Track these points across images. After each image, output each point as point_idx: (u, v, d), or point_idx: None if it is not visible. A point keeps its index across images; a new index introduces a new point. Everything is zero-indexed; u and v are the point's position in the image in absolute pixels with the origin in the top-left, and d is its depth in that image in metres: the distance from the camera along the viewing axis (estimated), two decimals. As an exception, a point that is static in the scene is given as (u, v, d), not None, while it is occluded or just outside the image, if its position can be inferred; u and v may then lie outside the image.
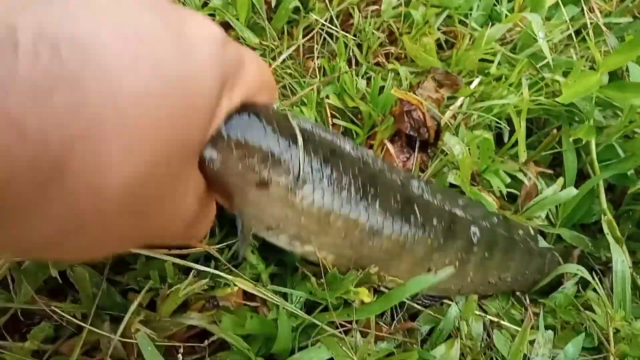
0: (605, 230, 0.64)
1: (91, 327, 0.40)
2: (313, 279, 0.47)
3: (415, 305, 0.54)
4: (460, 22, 0.76)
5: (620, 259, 0.61)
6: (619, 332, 0.56)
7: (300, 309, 0.47)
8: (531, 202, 0.66)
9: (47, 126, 0.21)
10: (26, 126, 0.21)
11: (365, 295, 0.48)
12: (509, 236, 0.58)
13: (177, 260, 0.43)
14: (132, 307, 0.41)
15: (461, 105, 0.64)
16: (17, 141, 0.21)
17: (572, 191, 0.66)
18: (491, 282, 0.57)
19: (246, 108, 0.37)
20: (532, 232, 0.62)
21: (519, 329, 0.53)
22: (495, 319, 0.58)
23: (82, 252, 0.29)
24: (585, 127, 0.66)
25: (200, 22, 0.29)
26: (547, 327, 0.60)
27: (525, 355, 0.51)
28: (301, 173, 0.40)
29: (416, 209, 0.49)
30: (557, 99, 0.63)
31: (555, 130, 0.68)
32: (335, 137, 0.46)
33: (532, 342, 0.52)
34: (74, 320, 0.42)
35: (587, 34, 0.80)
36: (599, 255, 0.68)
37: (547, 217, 0.68)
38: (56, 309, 0.42)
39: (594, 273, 0.64)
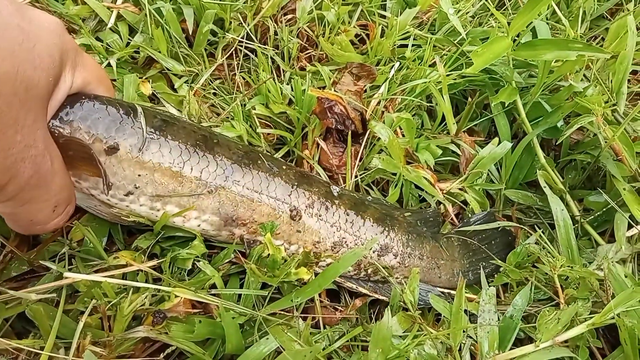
0: (542, 183, 0.66)
1: (47, 353, 0.41)
2: (253, 266, 0.49)
3: (363, 291, 0.56)
4: (379, 15, 0.79)
5: (559, 207, 0.63)
6: (568, 279, 0.58)
7: (253, 307, 0.49)
8: (471, 164, 0.68)
9: None
10: None
11: (304, 273, 0.50)
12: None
13: (115, 281, 0.46)
14: (79, 329, 0.43)
15: (382, 92, 0.66)
16: None
17: (506, 145, 0.69)
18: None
19: (86, 93, 0.45)
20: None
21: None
22: (446, 290, 0.60)
23: None
24: (506, 90, 0.69)
25: (43, 13, 0.39)
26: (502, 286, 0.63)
27: (471, 314, 0.53)
28: (145, 135, 0.46)
29: (260, 155, 0.54)
30: (469, 69, 0.66)
31: (471, 99, 0.71)
32: (170, 114, 0.54)
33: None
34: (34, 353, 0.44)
35: (503, 3, 0.84)
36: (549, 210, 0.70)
37: (491, 181, 0.70)
38: (19, 345, 0.44)
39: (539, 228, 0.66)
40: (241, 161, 0.52)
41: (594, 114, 0.65)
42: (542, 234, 0.63)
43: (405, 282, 0.57)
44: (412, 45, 0.75)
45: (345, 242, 0.56)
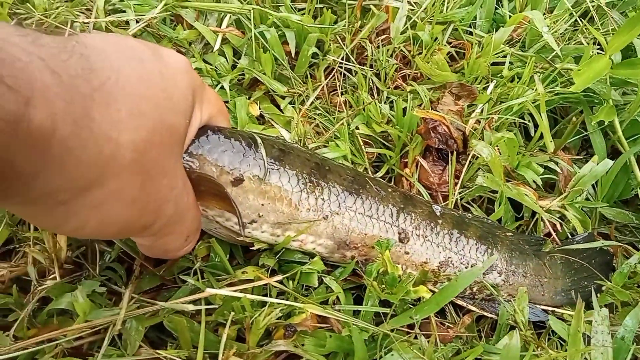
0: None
1: None
2: (375, 283, 0.52)
3: (473, 309, 0.58)
4: (467, 32, 0.80)
5: (662, 228, 0.63)
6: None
7: (370, 321, 0.52)
8: (571, 182, 0.69)
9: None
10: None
11: (424, 291, 0.52)
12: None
13: (254, 296, 0.50)
14: (223, 340, 0.46)
15: (481, 111, 0.68)
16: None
17: (607, 163, 0.69)
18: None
19: (211, 126, 0.49)
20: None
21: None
22: (549, 308, 0.61)
23: (97, 214, 0.36)
24: (604, 109, 0.69)
25: (172, 52, 0.42)
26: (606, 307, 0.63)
27: (584, 335, 0.54)
28: (266, 165, 0.50)
29: (368, 180, 0.57)
30: (571, 88, 0.66)
31: (574, 118, 0.72)
32: (283, 140, 0.56)
33: (590, 323, 0.55)
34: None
35: (591, 18, 0.84)
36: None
37: (586, 199, 0.71)
38: (162, 355, 0.48)
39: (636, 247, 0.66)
40: (351, 187, 0.54)
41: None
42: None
43: (511, 300, 0.58)
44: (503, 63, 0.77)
45: (451, 261, 0.58)
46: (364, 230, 0.55)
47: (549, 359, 0.49)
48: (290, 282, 0.55)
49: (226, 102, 0.70)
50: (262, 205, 0.50)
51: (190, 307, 0.49)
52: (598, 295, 0.62)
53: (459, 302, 0.58)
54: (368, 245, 0.54)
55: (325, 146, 0.67)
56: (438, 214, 0.60)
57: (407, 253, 0.57)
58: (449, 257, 0.58)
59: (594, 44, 0.79)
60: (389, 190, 0.58)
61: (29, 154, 0.29)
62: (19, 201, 0.33)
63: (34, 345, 0.48)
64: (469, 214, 0.65)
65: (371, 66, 0.76)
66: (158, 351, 0.48)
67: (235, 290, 0.49)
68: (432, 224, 0.58)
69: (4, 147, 0.28)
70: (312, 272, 0.55)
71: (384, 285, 0.53)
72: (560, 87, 0.73)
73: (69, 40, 0.32)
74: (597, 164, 0.69)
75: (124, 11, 0.76)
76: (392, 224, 0.56)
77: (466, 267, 0.58)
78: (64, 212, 0.34)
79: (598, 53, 0.71)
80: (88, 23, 0.73)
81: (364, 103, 0.69)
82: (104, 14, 0.75)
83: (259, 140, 0.51)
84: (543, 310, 0.62)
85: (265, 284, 0.53)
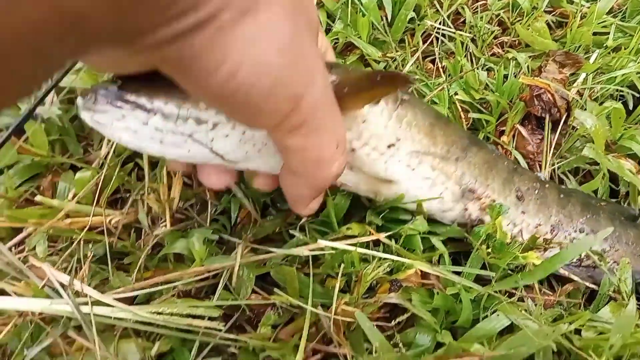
0: None
1: (312, 309, 0.47)
2: (483, 247, 0.53)
3: (574, 278, 0.58)
4: (568, 1, 0.78)
5: None
6: None
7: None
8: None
9: None
10: None
11: (534, 257, 0.53)
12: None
13: (363, 250, 0.51)
14: (336, 289, 0.48)
15: (584, 80, 0.67)
16: None
17: None
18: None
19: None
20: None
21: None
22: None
23: (251, 50, 0.31)
24: None
25: None
26: None
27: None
28: (400, 94, 0.49)
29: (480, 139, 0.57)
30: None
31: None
32: None
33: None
34: (291, 309, 0.50)
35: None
36: None
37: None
38: (273, 300, 0.50)
39: None
40: (472, 137, 0.55)
41: None
42: None
43: (615, 267, 0.58)
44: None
45: (562, 225, 0.58)
46: (487, 181, 0.55)
47: (662, 327, 0.49)
48: (393, 240, 0.56)
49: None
50: (400, 128, 0.50)
51: (306, 252, 0.50)
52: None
53: (561, 270, 0.58)
54: (490, 197, 0.55)
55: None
56: (543, 179, 0.60)
57: (523, 212, 0.57)
58: (559, 221, 0.58)
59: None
60: (499, 152, 0.58)
61: None
62: (168, 33, 0.27)
63: (150, 286, 0.51)
64: (562, 186, 0.64)
65: (468, 32, 0.76)
66: (271, 296, 0.50)
67: (351, 244, 0.51)
68: (542, 187, 0.58)
69: None
70: (415, 234, 0.56)
71: (489, 250, 0.54)
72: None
73: None
74: None
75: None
76: (511, 181, 0.56)
77: (575, 232, 0.58)
78: (222, 45, 0.29)
79: None
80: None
81: (462, 69, 0.69)
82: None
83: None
84: None
85: (370, 241, 0.55)
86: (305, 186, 0.44)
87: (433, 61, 0.75)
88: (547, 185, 0.59)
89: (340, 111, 0.41)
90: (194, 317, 0.44)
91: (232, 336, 0.46)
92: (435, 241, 0.55)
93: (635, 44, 0.70)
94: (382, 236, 0.54)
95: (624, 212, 0.64)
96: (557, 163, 0.66)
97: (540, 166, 0.67)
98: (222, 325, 0.45)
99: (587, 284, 0.58)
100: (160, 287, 0.48)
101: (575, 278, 0.58)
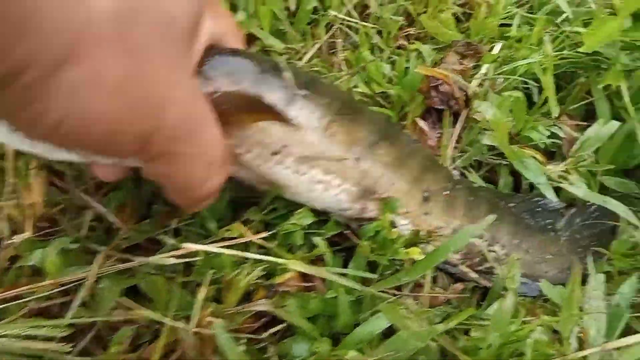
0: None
1: (171, 323, 0.43)
2: (365, 244, 0.51)
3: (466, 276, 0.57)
4: (474, -8, 0.77)
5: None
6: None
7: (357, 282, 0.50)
8: (575, 145, 0.67)
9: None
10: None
11: (416, 252, 0.51)
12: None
13: (232, 252, 0.47)
14: (200, 299, 0.44)
15: (486, 72, 0.66)
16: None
17: (613, 125, 0.67)
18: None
19: (225, 47, 0.42)
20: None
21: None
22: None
23: (76, 101, 0.29)
24: (613, 72, 0.67)
25: None
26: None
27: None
28: (292, 90, 0.44)
29: (399, 129, 0.54)
30: (580, 50, 0.64)
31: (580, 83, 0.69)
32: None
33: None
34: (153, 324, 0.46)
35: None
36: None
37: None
38: (134, 313, 0.45)
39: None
40: (384, 131, 0.51)
41: None
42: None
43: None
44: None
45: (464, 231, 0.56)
46: (392, 180, 0.51)
47: (541, 323, 0.48)
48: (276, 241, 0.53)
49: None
50: (288, 132, 0.45)
51: (172, 260, 0.47)
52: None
53: (453, 270, 0.57)
54: (393, 197, 0.52)
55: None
56: (455, 179, 0.58)
57: (426, 214, 0.54)
58: (462, 225, 0.56)
59: (605, 8, 0.76)
60: (418, 144, 0.55)
61: None
62: None
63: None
64: (477, 184, 0.63)
65: (374, 24, 0.74)
66: (130, 312, 0.45)
67: (222, 246, 0.48)
68: (452, 188, 0.56)
69: None
70: (296, 230, 0.52)
71: (375, 246, 0.52)
72: (569, 51, 0.71)
73: None
74: (603, 126, 0.67)
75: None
76: (421, 180, 0.53)
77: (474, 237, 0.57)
78: (37, 98, 0.28)
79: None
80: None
81: (363, 61, 0.67)
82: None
83: (283, 64, 0.45)
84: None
85: (249, 242, 0.51)
86: (184, 201, 0.43)
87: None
88: (458, 187, 0.57)
89: (222, 125, 0.39)
90: (38, 338, 0.40)
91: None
92: (318, 240, 0.52)
93: (538, 34, 0.70)
94: (255, 237, 0.50)
95: (534, 211, 0.63)
96: (459, 157, 0.65)
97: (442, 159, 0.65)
98: (71, 347, 0.41)
99: (483, 282, 0.58)
100: (10, 304, 0.44)
101: (473, 275, 0.57)
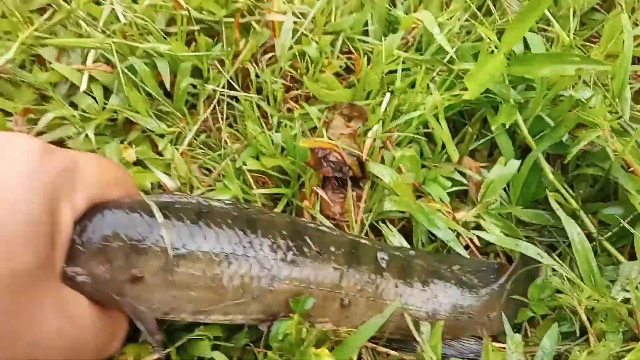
0: (554, 205, 0.63)
1: None
2: (269, 353, 0.47)
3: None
4: (361, 40, 0.75)
5: (575, 232, 0.61)
6: (594, 309, 0.56)
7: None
8: (481, 189, 0.65)
9: None
10: None
11: (326, 355, 0.47)
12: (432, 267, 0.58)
13: None
14: None
15: (376, 132, 0.63)
16: None
17: (514, 164, 0.66)
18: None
19: (96, 209, 0.40)
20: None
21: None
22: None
23: None
24: (505, 110, 0.66)
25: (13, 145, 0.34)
26: (529, 321, 0.60)
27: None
28: (171, 252, 0.41)
29: (307, 239, 0.49)
30: (464, 96, 0.62)
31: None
32: (200, 199, 0.48)
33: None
34: None
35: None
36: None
37: (501, 204, 0.67)
38: None
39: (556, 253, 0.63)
40: (287, 253, 0.47)
41: (599, 128, 0.62)
42: (561, 264, 0.60)
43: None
44: (403, 69, 0.71)
45: (394, 314, 0.52)
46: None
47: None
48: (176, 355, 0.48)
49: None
50: (174, 297, 0.42)
51: None
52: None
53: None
54: (308, 313, 0.48)
55: (212, 189, 0.60)
56: (384, 265, 0.54)
57: (347, 317, 0.51)
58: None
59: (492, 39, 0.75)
60: (332, 249, 0.51)
61: None
62: None
63: None
64: (413, 251, 0.59)
65: (259, 90, 0.70)
66: None
67: None
68: (377, 282, 0.52)
69: None
70: (204, 339, 0.49)
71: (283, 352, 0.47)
72: (461, 90, 0.69)
73: None
74: (504, 165, 0.65)
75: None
76: (335, 291, 0.50)
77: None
78: None
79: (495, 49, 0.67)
80: None
81: (248, 133, 0.62)
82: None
83: (160, 218, 0.42)
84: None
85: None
86: None
87: (229, 126, 0.68)
88: (385, 274, 0.53)
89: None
90: None
91: None
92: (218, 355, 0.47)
93: (422, 81, 0.68)
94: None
95: (477, 271, 0.60)
96: (367, 217, 0.62)
97: (348, 226, 0.62)
98: None
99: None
100: None
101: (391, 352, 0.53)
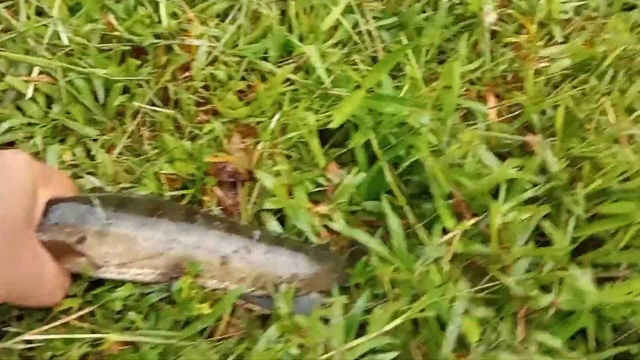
0: (384, 202, 0.88)
1: None
2: (167, 307, 0.70)
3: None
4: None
5: (394, 221, 0.86)
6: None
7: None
8: (335, 191, 0.90)
9: None
10: None
11: (205, 309, 0.70)
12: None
13: (59, 336, 0.65)
14: None
15: (262, 147, 0.85)
16: None
17: (361, 175, 0.90)
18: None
19: (54, 200, 0.66)
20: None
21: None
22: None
23: None
24: (362, 132, 0.90)
25: (9, 153, 0.59)
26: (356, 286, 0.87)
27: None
28: (104, 222, 0.67)
29: (198, 216, 0.75)
30: (329, 125, 0.85)
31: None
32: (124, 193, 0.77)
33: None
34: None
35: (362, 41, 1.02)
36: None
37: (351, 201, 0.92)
38: None
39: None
40: (183, 223, 0.72)
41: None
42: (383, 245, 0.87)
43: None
44: (292, 90, 0.93)
45: (264, 275, 0.76)
46: (192, 258, 0.71)
47: (296, 342, 0.71)
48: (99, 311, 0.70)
49: (37, 153, 0.80)
50: (106, 252, 0.67)
51: (19, 346, 0.63)
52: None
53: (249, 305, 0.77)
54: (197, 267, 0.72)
55: (134, 186, 0.81)
56: (256, 238, 0.77)
57: (227, 272, 0.74)
58: (262, 272, 0.75)
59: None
60: (217, 223, 0.75)
61: None
62: None
63: None
64: (284, 235, 0.82)
65: (177, 102, 0.89)
66: None
67: (44, 331, 0.65)
68: (250, 247, 0.75)
69: None
70: (118, 299, 0.71)
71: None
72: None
73: None
74: (355, 175, 0.90)
75: None
76: (216, 251, 0.73)
77: (279, 279, 0.77)
78: None
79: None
80: None
81: (165, 144, 0.83)
82: None
83: (96, 201, 0.68)
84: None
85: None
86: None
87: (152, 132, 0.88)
88: (256, 243, 0.76)
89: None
90: None
91: None
92: (132, 315, 0.70)
93: (304, 105, 0.90)
94: (71, 318, 0.68)
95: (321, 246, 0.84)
96: (253, 209, 0.85)
97: (238, 215, 0.85)
98: None
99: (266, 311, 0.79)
100: None
101: (255, 308, 0.78)
